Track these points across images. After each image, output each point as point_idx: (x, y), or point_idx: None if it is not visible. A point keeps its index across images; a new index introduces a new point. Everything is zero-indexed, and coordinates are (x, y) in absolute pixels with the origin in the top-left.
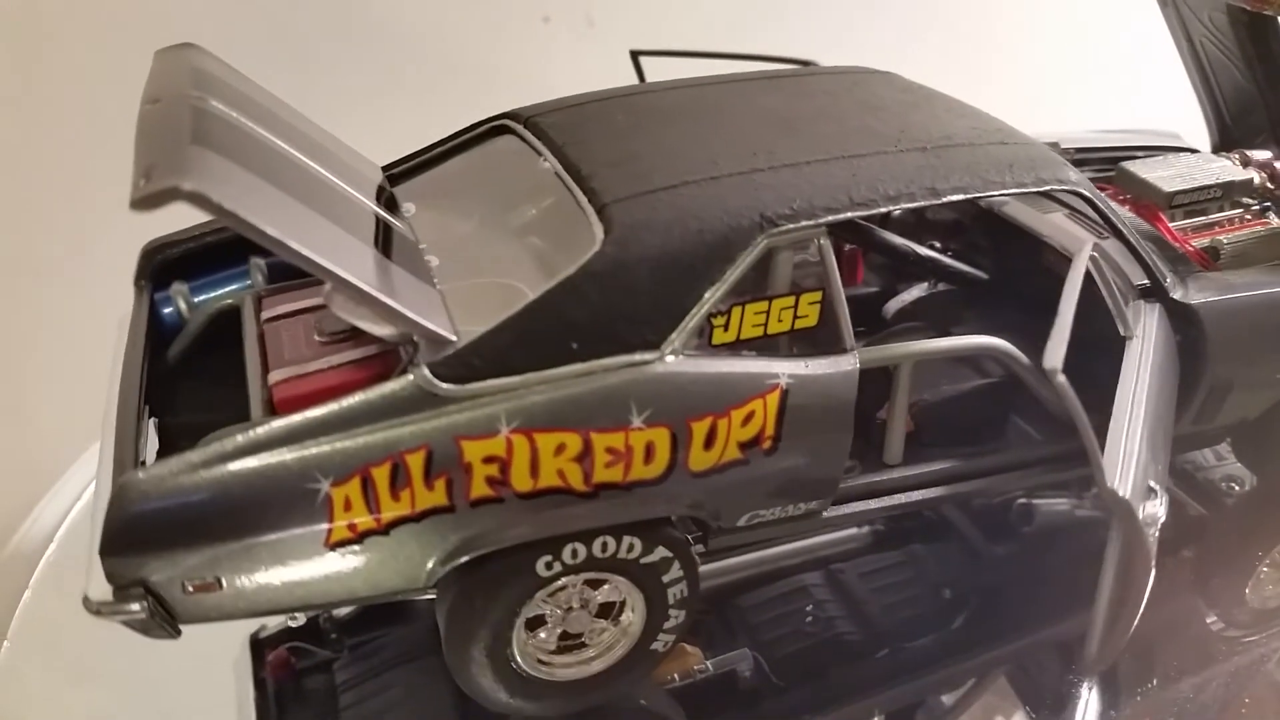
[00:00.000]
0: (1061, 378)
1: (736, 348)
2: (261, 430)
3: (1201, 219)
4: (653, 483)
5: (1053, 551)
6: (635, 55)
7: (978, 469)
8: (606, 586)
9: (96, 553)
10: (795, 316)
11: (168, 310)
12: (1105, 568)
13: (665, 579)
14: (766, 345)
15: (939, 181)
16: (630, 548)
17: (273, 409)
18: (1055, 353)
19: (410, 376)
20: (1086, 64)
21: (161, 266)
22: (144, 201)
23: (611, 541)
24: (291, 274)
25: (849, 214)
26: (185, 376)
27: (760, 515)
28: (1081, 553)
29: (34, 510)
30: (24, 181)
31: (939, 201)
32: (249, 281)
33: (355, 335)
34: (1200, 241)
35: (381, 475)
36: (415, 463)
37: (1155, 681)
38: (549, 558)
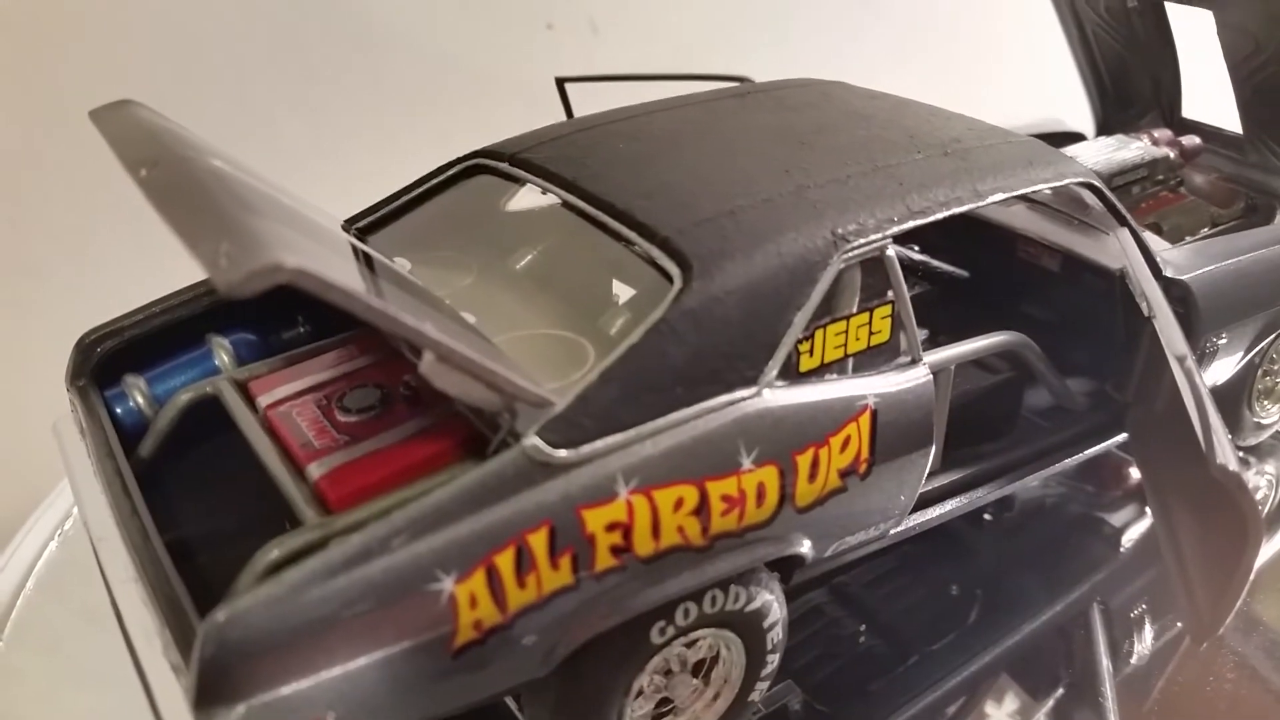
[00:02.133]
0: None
1: (821, 372)
2: (366, 534)
3: (1129, 198)
4: (763, 525)
5: (1034, 533)
6: (560, 82)
7: (1014, 462)
8: (699, 643)
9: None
10: (870, 333)
11: (122, 408)
12: (1197, 538)
13: (765, 624)
14: (847, 366)
15: (979, 184)
16: (736, 597)
17: (326, 506)
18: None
19: (519, 447)
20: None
21: (103, 359)
22: (242, 283)
23: (720, 594)
24: (263, 351)
25: (911, 223)
26: (168, 480)
27: (845, 542)
28: (1062, 532)
29: (32, 514)
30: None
31: (984, 204)
32: (213, 364)
33: (385, 410)
34: (1144, 219)
35: (506, 562)
36: (538, 542)
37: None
38: (663, 623)
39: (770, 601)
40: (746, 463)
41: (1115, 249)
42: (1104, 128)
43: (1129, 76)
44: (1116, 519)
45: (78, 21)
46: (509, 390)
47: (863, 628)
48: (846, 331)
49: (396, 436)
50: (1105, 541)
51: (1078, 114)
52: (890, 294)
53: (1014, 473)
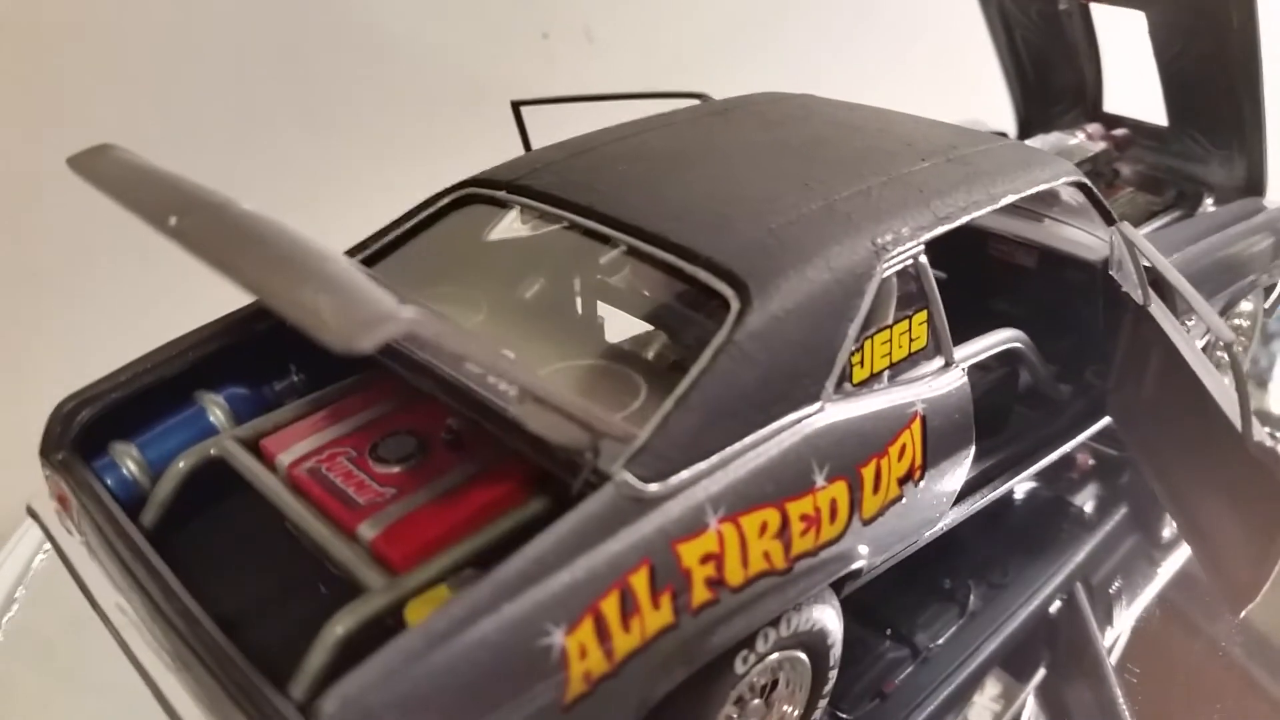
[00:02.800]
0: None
1: (871, 383)
2: (471, 594)
3: None
4: (835, 542)
5: (1010, 520)
6: (516, 105)
7: (1017, 455)
8: (766, 667)
9: None
10: (910, 339)
11: (113, 479)
12: (1235, 514)
13: (829, 642)
14: (894, 375)
15: (990, 188)
16: (807, 617)
17: (389, 567)
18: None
19: (611, 485)
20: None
21: (85, 427)
22: (360, 340)
23: (794, 615)
24: (258, 405)
25: (940, 229)
26: (177, 554)
27: (892, 550)
28: (1035, 518)
29: (25, 520)
30: (24, 187)
31: (997, 206)
32: (209, 423)
33: (425, 457)
34: None
35: (611, 607)
36: (640, 583)
37: None
38: (745, 651)
39: (833, 617)
40: (820, 480)
41: (1089, 242)
42: (1025, 125)
43: (1054, 75)
44: (1079, 500)
45: (80, 28)
46: (598, 426)
47: (865, 630)
48: (890, 340)
49: (447, 484)
50: (1075, 522)
51: (996, 114)
52: (925, 300)
53: (1017, 467)
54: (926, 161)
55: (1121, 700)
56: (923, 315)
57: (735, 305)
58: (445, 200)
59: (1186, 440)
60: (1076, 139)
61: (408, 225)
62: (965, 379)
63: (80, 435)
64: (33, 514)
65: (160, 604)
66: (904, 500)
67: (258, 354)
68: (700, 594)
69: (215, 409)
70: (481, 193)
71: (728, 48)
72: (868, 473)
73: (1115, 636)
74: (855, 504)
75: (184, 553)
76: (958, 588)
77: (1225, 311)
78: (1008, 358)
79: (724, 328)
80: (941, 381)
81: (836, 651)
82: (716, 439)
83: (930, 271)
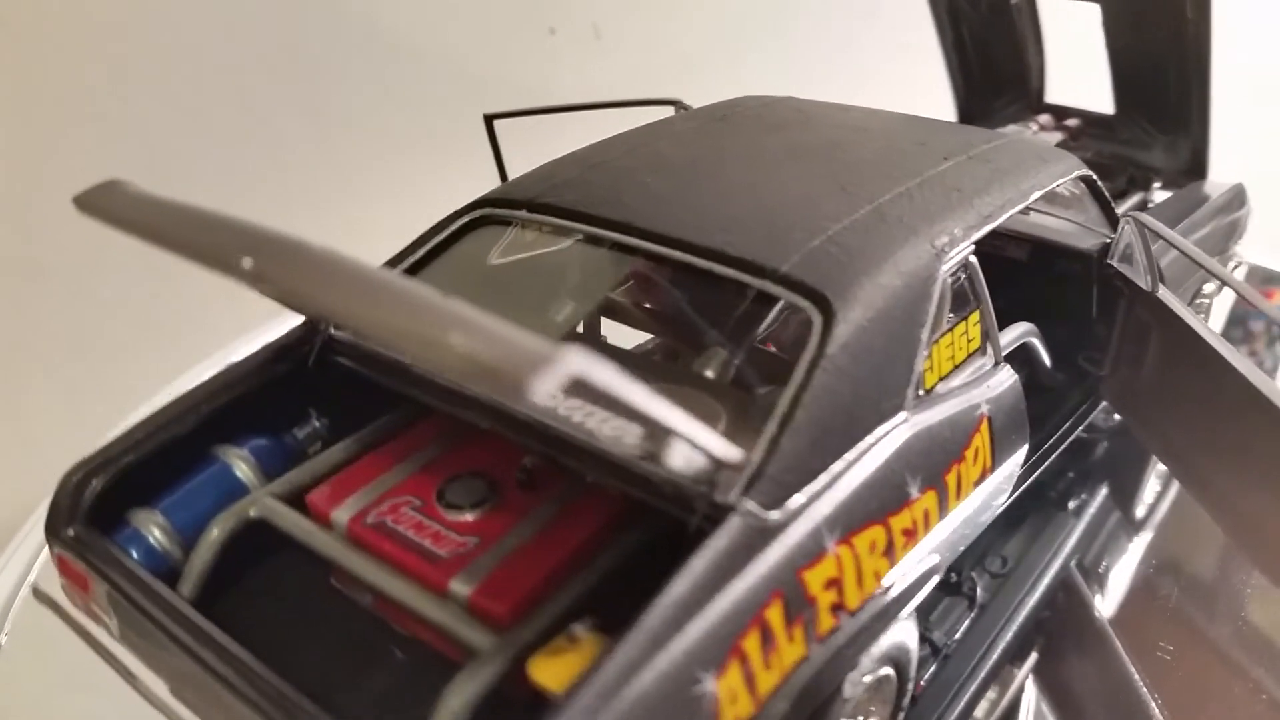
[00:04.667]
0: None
1: (939, 388)
2: (626, 648)
3: None
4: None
5: None
6: (489, 119)
7: (1038, 443)
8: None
9: None
10: (968, 341)
11: (139, 550)
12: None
13: (909, 655)
14: (957, 377)
15: (1019, 184)
16: (896, 632)
17: (495, 623)
18: None
19: (737, 516)
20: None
21: (98, 497)
22: (539, 388)
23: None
24: (283, 456)
25: (986, 228)
26: (235, 625)
27: (958, 551)
28: (1018, 501)
29: (30, 518)
30: (26, 187)
31: (1028, 202)
32: (236, 480)
33: (500, 499)
34: None
35: (753, 646)
36: (775, 617)
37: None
38: (853, 672)
39: (912, 629)
40: (914, 492)
41: (1075, 231)
42: (966, 119)
43: (1000, 68)
44: (1059, 484)
45: (81, 28)
46: (719, 454)
47: None
48: (953, 343)
49: (532, 527)
50: (1059, 506)
51: (931, 107)
52: (977, 300)
53: (1038, 457)
54: (949, 161)
55: (1134, 669)
56: (976, 316)
57: (818, 319)
58: (460, 222)
59: (1205, 419)
60: (1032, 130)
61: (422, 251)
62: (1015, 376)
63: (93, 507)
64: (43, 597)
65: (242, 689)
66: (977, 503)
67: (272, 400)
68: (826, 621)
69: (240, 464)
70: (499, 213)
71: (731, 44)
72: (951, 480)
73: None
74: (943, 512)
75: (235, 626)
76: (963, 580)
77: (1194, 300)
78: (1019, 351)
79: (812, 343)
80: (997, 380)
81: (914, 663)
82: (823, 458)
83: (980, 271)
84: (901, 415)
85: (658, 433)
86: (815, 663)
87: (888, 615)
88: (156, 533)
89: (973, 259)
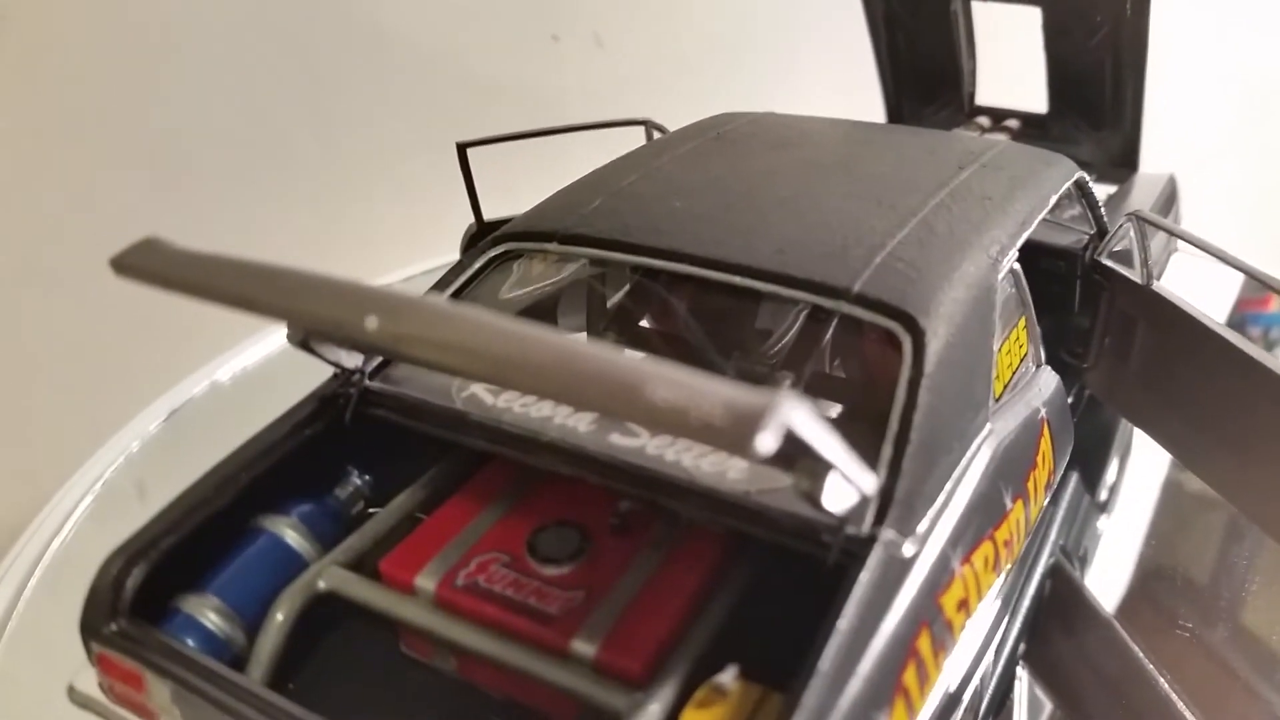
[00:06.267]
0: None
1: (1004, 396)
2: (811, 697)
3: None
4: (1017, 561)
5: None
6: (461, 147)
7: None
8: None
9: None
10: (1020, 347)
11: (195, 638)
12: None
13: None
14: (1013, 384)
15: (1038, 190)
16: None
17: (628, 681)
18: None
19: (879, 547)
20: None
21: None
22: (767, 445)
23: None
24: (331, 519)
25: (1025, 233)
26: (322, 709)
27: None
28: None
29: (33, 521)
30: (29, 188)
31: (1051, 204)
32: (288, 550)
33: (595, 548)
34: None
35: (912, 680)
36: (925, 647)
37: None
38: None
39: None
40: (1009, 502)
41: (1057, 230)
42: (895, 115)
43: (934, 72)
44: None
45: (84, 28)
46: (861, 484)
47: None
48: (1010, 350)
49: (641, 574)
50: None
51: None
52: (1024, 306)
53: None
54: (966, 170)
55: (1131, 642)
56: (1023, 320)
57: (907, 339)
58: (484, 259)
59: (1210, 401)
60: (972, 133)
61: (450, 290)
62: (1058, 377)
63: (138, 597)
64: (81, 700)
65: None
66: (1040, 506)
67: (307, 462)
68: (962, 645)
69: (290, 532)
70: (527, 247)
71: (732, 51)
72: (1030, 486)
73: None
74: (1028, 521)
75: (319, 706)
76: None
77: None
78: None
79: (906, 362)
80: (1045, 383)
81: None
82: (937, 478)
83: (1023, 276)
84: (988, 428)
85: (818, 470)
86: (951, 688)
87: (994, 630)
88: (213, 617)
89: (1017, 265)
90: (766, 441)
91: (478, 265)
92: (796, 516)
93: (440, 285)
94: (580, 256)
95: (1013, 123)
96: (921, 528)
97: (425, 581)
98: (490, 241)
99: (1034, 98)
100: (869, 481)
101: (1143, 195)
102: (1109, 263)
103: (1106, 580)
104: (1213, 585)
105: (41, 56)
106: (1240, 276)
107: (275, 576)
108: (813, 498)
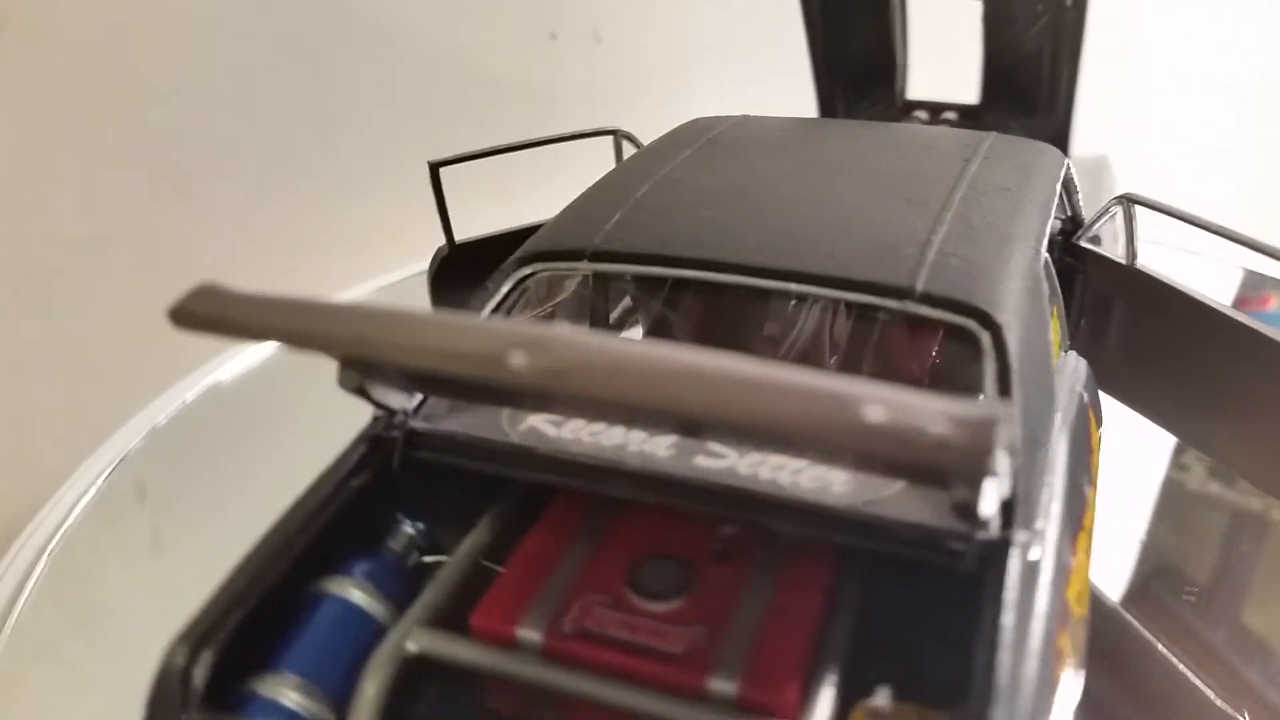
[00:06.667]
0: None
1: (1056, 384)
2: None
3: None
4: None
5: None
6: (434, 166)
7: None
8: None
9: None
10: (1057, 334)
11: None
12: None
13: None
14: (1057, 370)
15: (1045, 179)
16: None
17: (779, 716)
18: None
19: (1015, 551)
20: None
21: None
22: (998, 464)
23: None
24: (395, 574)
25: (1049, 223)
26: None
27: None
28: None
29: (34, 517)
30: (29, 188)
31: (1057, 198)
32: (363, 610)
33: (700, 578)
34: None
35: (1062, 682)
36: (1067, 647)
37: None
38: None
39: None
40: (1087, 490)
41: None
42: (827, 109)
43: (870, 68)
44: None
45: (83, 28)
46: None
47: None
48: (1052, 339)
49: (759, 601)
50: None
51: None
52: (1055, 294)
53: None
54: (972, 163)
55: (1130, 616)
56: (1054, 309)
57: (985, 334)
58: (513, 281)
59: (1203, 372)
60: (918, 123)
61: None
62: (1083, 359)
63: (210, 685)
64: None
65: None
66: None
67: (355, 513)
68: (1083, 640)
69: (356, 593)
70: (559, 267)
71: (732, 48)
72: (1095, 471)
73: None
74: (1095, 508)
75: None
76: None
77: None
78: None
79: (989, 358)
80: (1077, 367)
81: None
82: (1039, 473)
83: (1051, 264)
84: (1059, 417)
85: (976, 480)
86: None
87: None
88: (294, 696)
89: (1046, 254)
90: (1001, 453)
91: (505, 290)
92: (921, 526)
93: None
94: (615, 274)
95: (950, 115)
96: (1040, 523)
97: (529, 633)
98: (514, 264)
99: (954, 88)
100: (1006, 484)
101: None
102: (1088, 245)
103: (1106, 580)
104: (1213, 585)
105: (41, 59)
106: (1238, 276)
107: (352, 643)
108: (970, 506)
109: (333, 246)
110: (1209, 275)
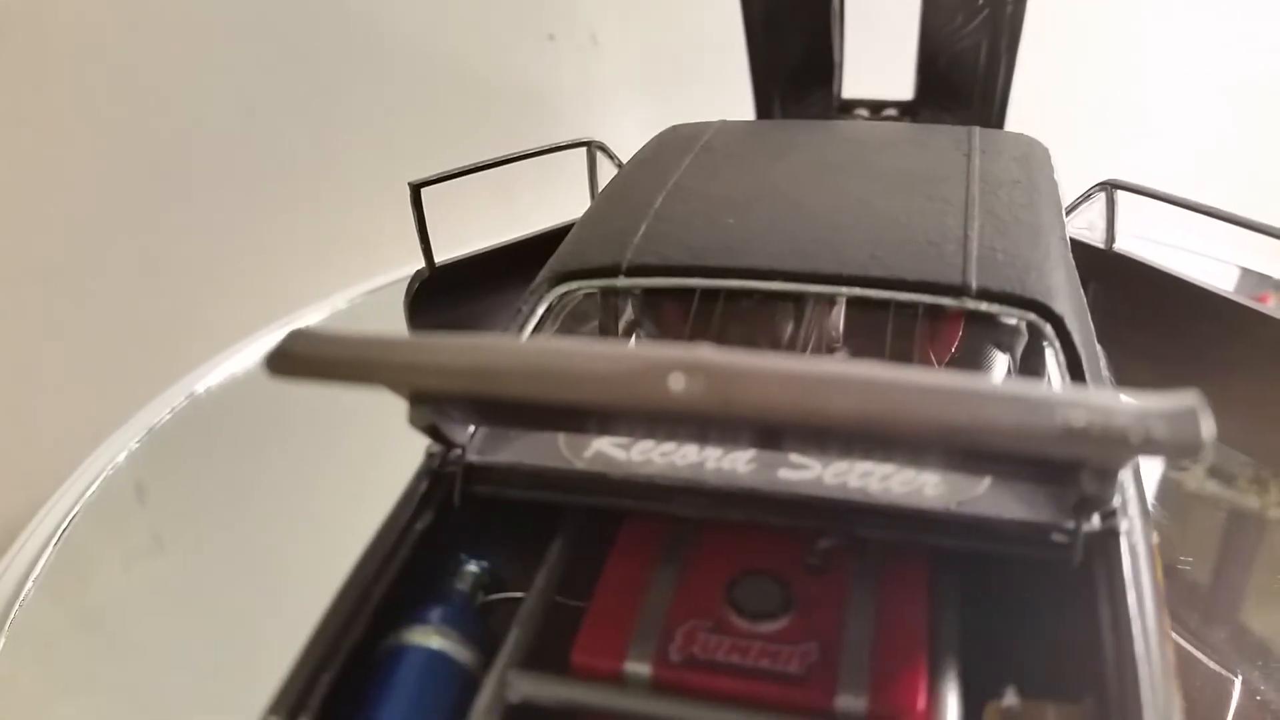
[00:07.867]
0: None
1: None
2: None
3: None
4: None
5: None
6: (414, 187)
7: None
8: None
9: None
10: None
11: None
12: None
13: None
14: None
15: (1042, 169)
16: None
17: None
18: None
19: (1121, 539)
20: None
21: None
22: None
23: None
24: (469, 617)
25: (1065, 216)
26: None
27: None
28: None
29: (33, 519)
30: (29, 188)
31: (1056, 190)
32: (451, 658)
33: (799, 596)
34: None
35: (1175, 663)
36: (1167, 627)
37: None
38: None
39: None
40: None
41: None
42: (762, 111)
43: (809, 67)
44: None
45: (82, 29)
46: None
47: None
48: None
49: (866, 612)
50: None
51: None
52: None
53: None
54: (974, 160)
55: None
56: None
57: (1047, 325)
58: (548, 301)
59: (1191, 348)
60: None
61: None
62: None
63: None
64: None
65: None
66: None
67: (418, 556)
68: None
69: (439, 640)
70: (594, 284)
71: (729, 49)
72: None
73: None
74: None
75: None
76: None
77: None
78: None
79: (1056, 349)
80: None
81: None
82: None
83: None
84: None
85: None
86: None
87: None
88: None
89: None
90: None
91: (540, 311)
92: (1024, 522)
93: None
94: (650, 288)
95: (891, 112)
96: (1127, 509)
97: (636, 666)
98: (546, 284)
99: (881, 85)
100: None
101: None
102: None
103: None
104: (1213, 585)
105: (42, 63)
106: (1235, 275)
107: (445, 693)
108: (1099, 498)
109: (333, 247)
110: (1208, 275)
